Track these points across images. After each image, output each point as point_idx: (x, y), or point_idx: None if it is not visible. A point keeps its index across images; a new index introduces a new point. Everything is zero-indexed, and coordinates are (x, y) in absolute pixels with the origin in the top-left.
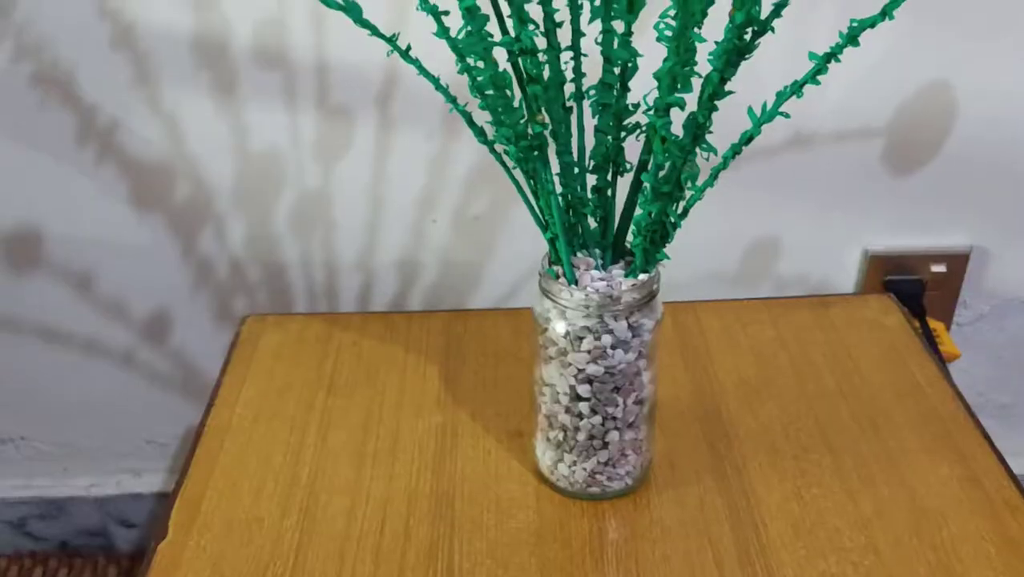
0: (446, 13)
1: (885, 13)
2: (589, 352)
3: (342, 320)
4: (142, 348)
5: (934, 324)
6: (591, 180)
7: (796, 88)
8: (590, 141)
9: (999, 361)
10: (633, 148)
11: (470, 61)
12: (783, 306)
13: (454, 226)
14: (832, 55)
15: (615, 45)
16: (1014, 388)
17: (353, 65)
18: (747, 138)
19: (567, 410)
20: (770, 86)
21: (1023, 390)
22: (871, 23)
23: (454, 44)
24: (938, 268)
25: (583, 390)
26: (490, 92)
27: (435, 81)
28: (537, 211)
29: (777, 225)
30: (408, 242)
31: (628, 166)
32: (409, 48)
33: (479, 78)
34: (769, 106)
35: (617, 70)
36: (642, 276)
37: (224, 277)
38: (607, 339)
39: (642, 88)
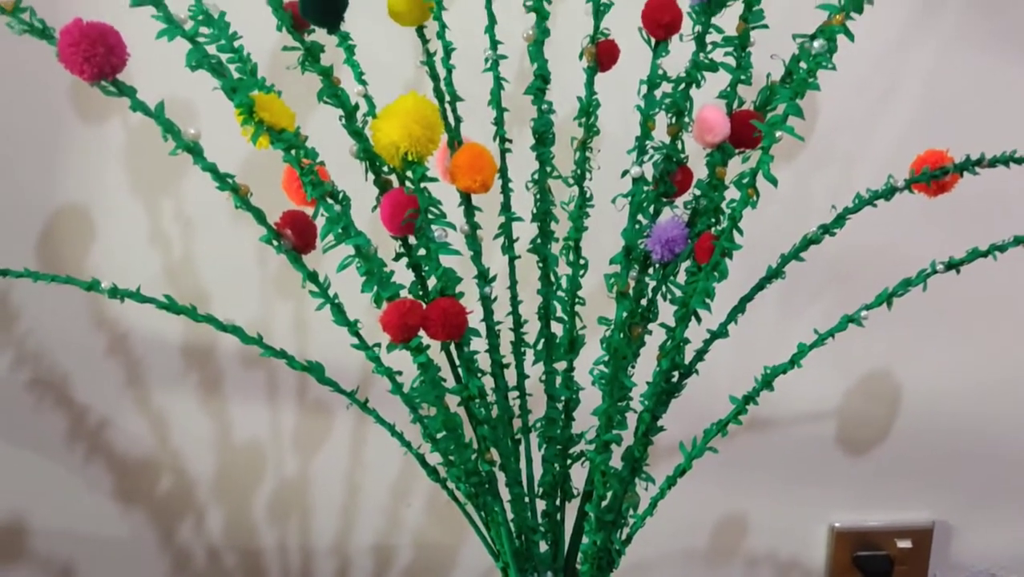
0: (400, 373)
1: (794, 362)
2: None
3: None
4: None
5: None
6: (541, 505)
7: (721, 427)
8: (538, 469)
9: None
10: (580, 473)
11: (423, 410)
12: None
13: (428, 510)
14: (750, 398)
15: (557, 384)
16: None
17: (332, 362)
18: (680, 471)
19: None
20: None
21: None
22: (783, 369)
23: (407, 398)
24: (904, 544)
25: None
26: (442, 435)
27: (391, 428)
28: (488, 540)
29: (744, 503)
30: (383, 526)
31: (575, 492)
32: (367, 401)
33: (430, 424)
34: (699, 440)
35: (560, 405)
36: None
37: (201, 565)
38: None
39: (587, 410)
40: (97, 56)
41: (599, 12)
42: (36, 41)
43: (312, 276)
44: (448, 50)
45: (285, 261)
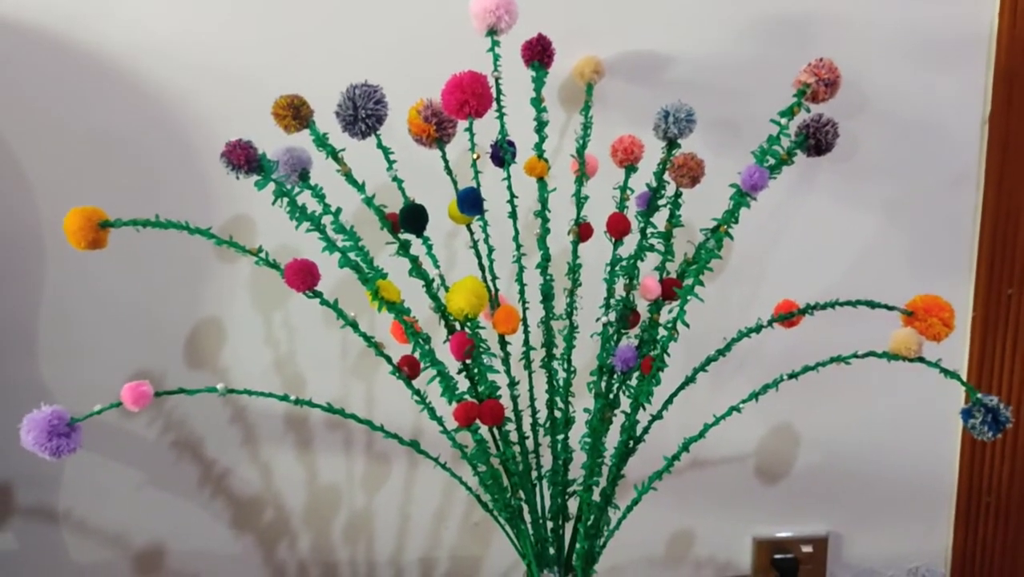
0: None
1: (702, 434)
2: None
3: None
4: None
5: None
6: (550, 525)
7: (656, 476)
8: (548, 502)
9: None
10: (573, 504)
11: (480, 468)
12: None
13: (460, 530)
14: (675, 457)
15: (559, 448)
16: None
17: (392, 423)
18: (635, 502)
19: None
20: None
21: None
22: (694, 440)
23: (471, 461)
24: (807, 548)
25: None
26: (490, 482)
27: (460, 480)
28: (518, 547)
29: (689, 521)
30: (427, 543)
31: (571, 516)
32: (444, 460)
33: (482, 476)
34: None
35: (560, 462)
36: None
37: (293, 575)
38: None
39: (577, 465)
40: (308, 280)
41: (580, 204)
42: (187, 211)
43: (418, 392)
44: (490, 249)
45: (362, 354)
